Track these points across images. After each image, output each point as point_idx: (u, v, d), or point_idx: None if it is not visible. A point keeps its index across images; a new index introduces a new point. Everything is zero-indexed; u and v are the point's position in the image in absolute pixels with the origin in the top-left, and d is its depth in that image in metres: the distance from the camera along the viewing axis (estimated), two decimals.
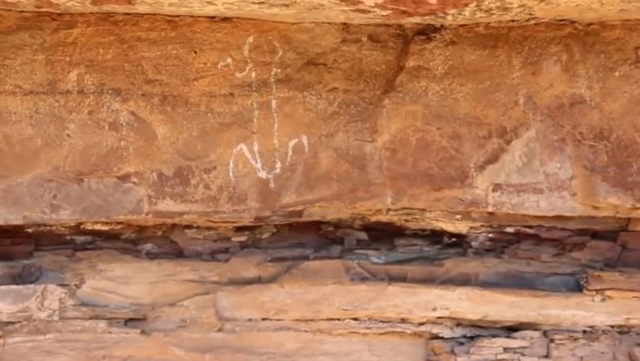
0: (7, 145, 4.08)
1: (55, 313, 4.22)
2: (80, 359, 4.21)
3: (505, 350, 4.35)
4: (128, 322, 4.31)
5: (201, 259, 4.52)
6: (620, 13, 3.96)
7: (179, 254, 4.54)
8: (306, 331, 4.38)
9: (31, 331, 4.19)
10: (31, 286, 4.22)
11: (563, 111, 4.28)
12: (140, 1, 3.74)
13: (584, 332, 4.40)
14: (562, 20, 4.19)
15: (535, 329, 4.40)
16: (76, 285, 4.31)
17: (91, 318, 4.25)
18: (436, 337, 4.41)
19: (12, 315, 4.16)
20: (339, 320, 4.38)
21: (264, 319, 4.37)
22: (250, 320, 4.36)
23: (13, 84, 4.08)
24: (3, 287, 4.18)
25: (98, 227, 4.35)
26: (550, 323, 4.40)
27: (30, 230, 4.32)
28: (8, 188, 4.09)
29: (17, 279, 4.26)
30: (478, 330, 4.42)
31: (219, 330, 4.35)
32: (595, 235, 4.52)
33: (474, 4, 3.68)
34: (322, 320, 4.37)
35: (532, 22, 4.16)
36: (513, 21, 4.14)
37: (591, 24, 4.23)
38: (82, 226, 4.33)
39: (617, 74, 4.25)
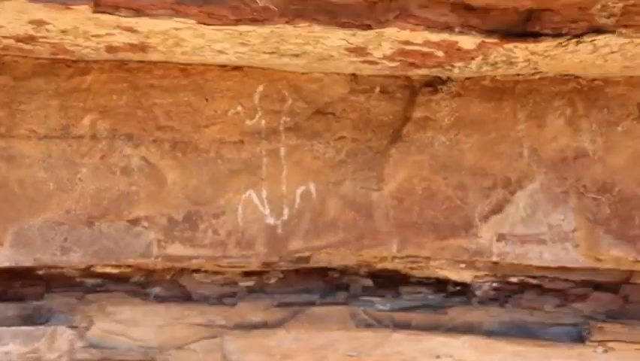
0: (19, 188, 4.15)
1: (65, 355, 4.26)
2: None
3: None
4: None
5: (209, 303, 4.56)
6: (623, 69, 4.06)
7: (187, 298, 4.59)
8: None
9: None
10: (42, 327, 4.28)
11: (566, 164, 4.36)
12: (154, 50, 3.85)
13: None
14: (566, 75, 4.29)
15: None
16: (85, 327, 4.35)
17: (100, 360, 4.30)
18: None
19: (22, 356, 4.19)
20: None
21: None
22: None
23: (27, 129, 4.14)
24: (13, 328, 4.22)
25: (107, 270, 4.42)
26: None
27: (41, 272, 4.38)
28: (20, 231, 4.15)
29: (28, 320, 4.32)
30: None
31: None
32: (598, 286, 4.56)
33: (480, 57, 3.79)
34: None
35: (537, 76, 4.27)
36: (518, 75, 4.26)
37: (595, 80, 4.32)
38: (92, 269, 4.40)
39: (619, 128, 4.33)
